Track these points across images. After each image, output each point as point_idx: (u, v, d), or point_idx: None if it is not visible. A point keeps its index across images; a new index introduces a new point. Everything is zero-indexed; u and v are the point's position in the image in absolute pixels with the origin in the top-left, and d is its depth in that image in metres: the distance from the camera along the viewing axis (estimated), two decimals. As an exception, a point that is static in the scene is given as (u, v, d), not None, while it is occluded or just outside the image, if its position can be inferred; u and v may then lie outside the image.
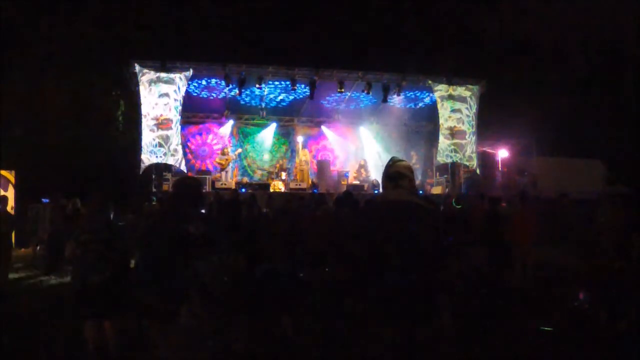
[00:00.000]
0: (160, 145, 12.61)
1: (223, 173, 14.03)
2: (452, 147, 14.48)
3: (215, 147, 15.82)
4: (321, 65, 14.15)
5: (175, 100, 12.79)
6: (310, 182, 14.38)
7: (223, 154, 14.33)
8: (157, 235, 3.01)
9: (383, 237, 2.56)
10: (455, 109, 14.59)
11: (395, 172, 2.74)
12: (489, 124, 15.60)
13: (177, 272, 2.96)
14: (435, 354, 2.58)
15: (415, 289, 2.49)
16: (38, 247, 10.07)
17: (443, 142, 14.40)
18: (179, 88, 12.82)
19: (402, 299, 2.49)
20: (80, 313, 4.06)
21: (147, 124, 12.56)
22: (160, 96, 12.67)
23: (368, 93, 14.39)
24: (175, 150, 12.75)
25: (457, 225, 7.67)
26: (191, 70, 12.93)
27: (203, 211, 7.91)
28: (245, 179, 14.98)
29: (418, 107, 16.27)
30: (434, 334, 2.55)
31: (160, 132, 12.64)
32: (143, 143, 12.47)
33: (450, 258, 6.72)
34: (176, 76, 12.82)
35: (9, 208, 9.10)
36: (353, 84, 14.52)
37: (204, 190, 11.80)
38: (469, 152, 14.58)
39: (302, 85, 14.19)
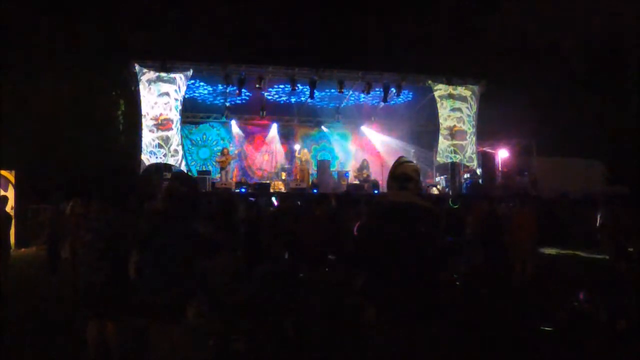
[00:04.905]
0: (161, 146, 12.61)
1: (223, 173, 14.02)
2: (452, 148, 14.48)
3: (215, 147, 15.83)
4: (321, 65, 14.18)
5: (176, 99, 12.79)
6: (310, 182, 14.38)
7: (223, 154, 14.32)
8: (165, 235, 3.01)
9: (390, 239, 2.57)
10: (455, 107, 14.58)
11: (402, 174, 2.74)
12: (489, 124, 15.60)
13: (185, 272, 2.97)
14: (436, 354, 2.59)
15: (422, 289, 2.50)
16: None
17: (443, 142, 14.39)
18: (179, 88, 12.82)
19: (409, 299, 2.50)
20: (83, 313, 4.07)
21: (146, 124, 12.56)
22: (160, 95, 12.66)
23: (368, 93, 14.40)
24: (176, 150, 12.75)
25: (454, 224, 7.69)
26: (191, 70, 12.93)
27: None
28: (245, 179, 14.98)
29: (418, 107, 16.26)
30: (436, 334, 2.56)
31: (160, 133, 12.64)
32: (143, 144, 12.47)
33: (450, 258, 6.74)
34: (176, 76, 12.82)
35: (8, 208, 9.09)
36: (353, 84, 14.52)
37: (204, 190, 11.87)
38: (469, 153, 14.58)
39: (302, 86, 14.22)
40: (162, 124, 12.67)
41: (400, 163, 2.82)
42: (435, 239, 2.59)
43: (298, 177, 14.76)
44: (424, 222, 2.59)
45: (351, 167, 16.11)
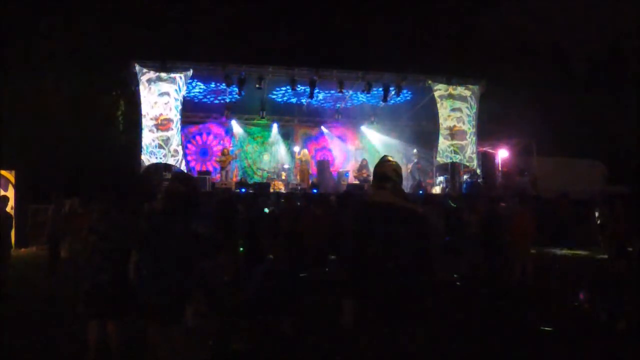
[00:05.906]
0: (161, 146, 12.60)
1: (223, 173, 14.03)
2: (452, 148, 14.46)
3: (215, 148, 15.83)
4: (321, 65, 14.17)
5: (176, 99, 12.78)
6: (310, 182, 14.38)
7: (223, 154, 14.32)
8: (165, 235, 3.01)
9: (363, 239, 2.55)
10: (455, 107, 14.57)
11: (380, 173, 2.74)
12: (489, 124, 15.60)
13: (185, 272, 2.97)
14: (435, 354, 2.59)
15: (397, 290, 2.48)
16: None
17: (443, 142, 14.39)
18: (179, 87, 12.82)
19: (383, 299, 2.48)
20: (85, 313, 4.06)
21: (146, 124, 12.55)
22: (160, 95, 12.66)
23: (368, 93, 14.39)
24: (176, 150, 12.74)
25: (453, 224, 7.70)
26: (191, 70, 12.93)
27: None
28: (245, 179, 14.97)
29: (418, 106, 16.26)
30: (426, 335, 2.55)
31: (161, 133, 12.63)
32: (143, 144, 12.46)
33: (439, 259, 6.73)
34: (176, 76, 12.81)
35: (8, 208, 9.08)
36: (353, 84, 14.53)
37: (204, 190, 11.86)
38: (469, 153, 14.57)
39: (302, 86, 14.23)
40: (162, 124, 12.66)
41: (381, 162, 2.80)
42: (411, 238, 2.53)
43: (298, 177, 14.77)
44: (398, 221, 2.55)
45: (351, 167, 16.11)
